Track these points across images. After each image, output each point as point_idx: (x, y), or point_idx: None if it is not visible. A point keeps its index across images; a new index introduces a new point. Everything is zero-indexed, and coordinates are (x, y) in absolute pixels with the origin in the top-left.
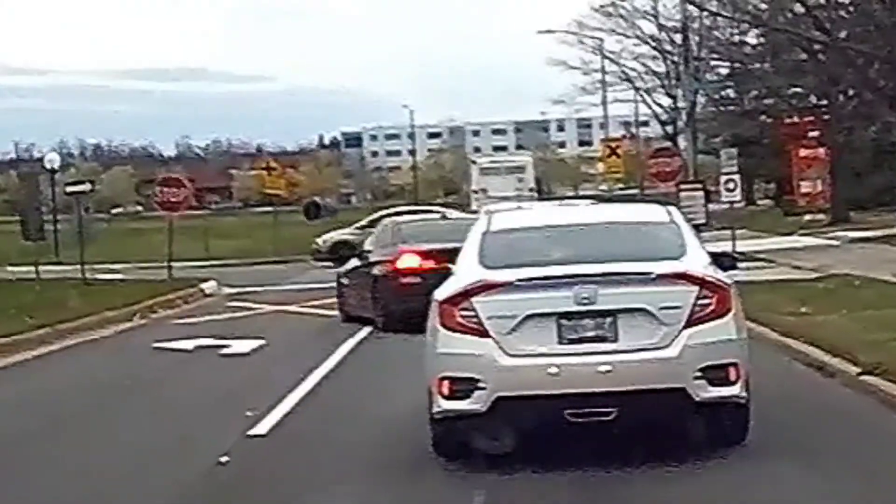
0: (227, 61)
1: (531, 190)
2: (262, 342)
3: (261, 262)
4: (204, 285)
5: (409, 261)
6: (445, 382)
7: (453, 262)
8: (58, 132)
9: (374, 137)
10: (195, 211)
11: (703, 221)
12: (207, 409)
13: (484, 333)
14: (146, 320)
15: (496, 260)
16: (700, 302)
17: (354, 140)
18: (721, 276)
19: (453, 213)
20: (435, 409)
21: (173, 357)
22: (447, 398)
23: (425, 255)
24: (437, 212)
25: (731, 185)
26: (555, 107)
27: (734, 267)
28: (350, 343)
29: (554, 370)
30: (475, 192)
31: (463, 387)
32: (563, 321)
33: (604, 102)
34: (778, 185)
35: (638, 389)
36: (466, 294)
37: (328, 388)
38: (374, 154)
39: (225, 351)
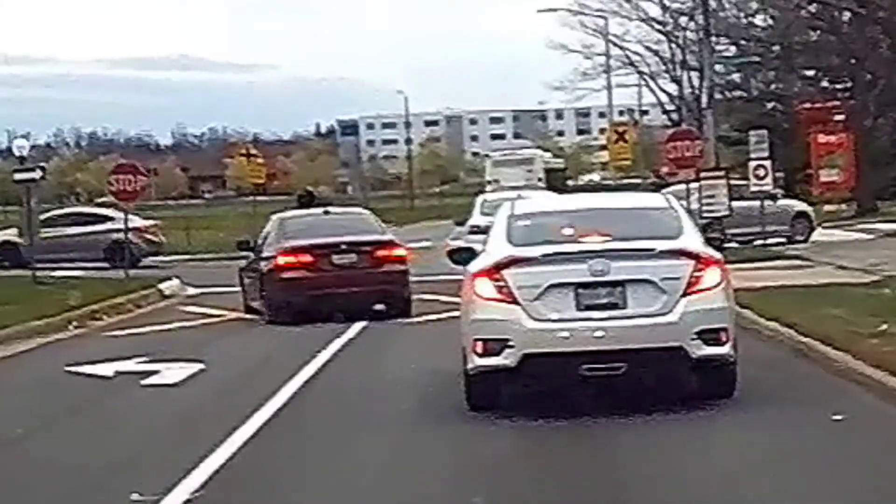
0: (225, 51)
1: (539, 180)
2: (200, 367)
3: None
4: (163, 285)
5: (288, 257)
6: (479, 343)
7: (335, 255)
8: (56, 121)
9: (370, 126)
10: (189, 200)
11: (725, 213)
12: (79, 488)
13: (513, 301)
14: (83, 330)
15: (522, 239)
16: (695, 274)
17: (351, 129)
18: (713, 252)
19: (337, 210)
20: (470, 366)
21: (81, 388)
22: (481, 356)
23: (304, 251)
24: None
25: (761, 172)
26: (553, 96)
27: (721, 249)
28: (310, 368)
29: (573, 331)
30: (489, 182)
31: (495, 346)
32: (580, 290)
33: (608, 85)
34: (788, 174)
35: (644, 348)
36: (498, 268)
37: (257, 451)
38: (371, 143)
39: (150, 380)
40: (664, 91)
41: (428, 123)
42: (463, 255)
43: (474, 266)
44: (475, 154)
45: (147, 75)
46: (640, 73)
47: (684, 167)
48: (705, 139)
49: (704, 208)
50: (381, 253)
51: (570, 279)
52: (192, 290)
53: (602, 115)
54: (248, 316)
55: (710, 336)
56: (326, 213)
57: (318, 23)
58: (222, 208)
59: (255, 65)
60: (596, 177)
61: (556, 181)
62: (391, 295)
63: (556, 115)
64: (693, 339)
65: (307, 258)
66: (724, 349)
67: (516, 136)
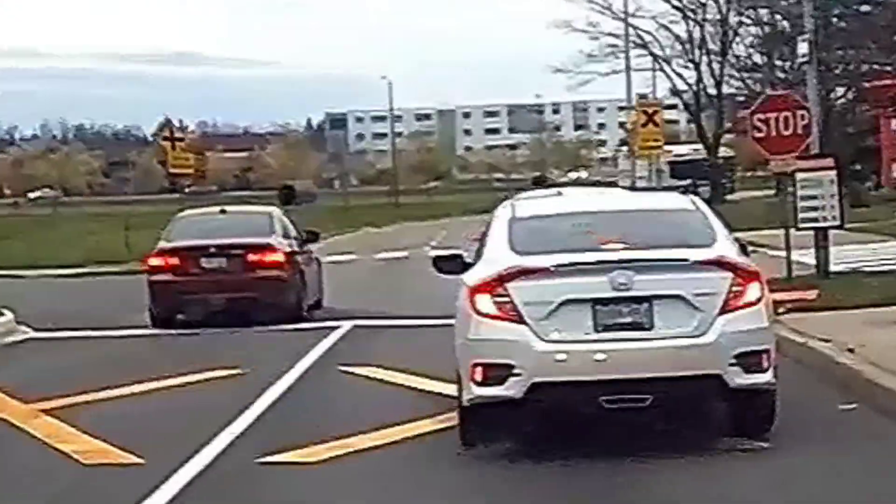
0: (222, 46)
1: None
2: None
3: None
4: None
5: (157, 259)
6: (479, 369)
7: (203, 259)
8: (48, 115)
9: (359, 119)
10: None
11: (836, 223)
12: None
13: (519, 319)
14: None
15: (527, 246)
16: (734, 289)
17: (339, 122)
18: (752, 263)
19: (235, 209)
20: (466, 397)
21: None
22: (480, 384)
23: (173, 253)
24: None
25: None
26: (555, 81)
27: (747, 254)
28: None
29: (590, 356)
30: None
31: (498, 373)
32: (599, 307)
33: (626, 63)
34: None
35: (674, 376)
36: (501, 280)
37: None
38: (360, 137)
39: None
40: (680, 77)
41: (419, 117)
42: (451, 263)
43: (472, 277)
44: (468, 149)
45: (141, 69)
46: (654, 55)
47: (781, 152)
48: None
49: (803, 216)
50: (253, 257)
51: (588, 294)
52: (27, 332)
53: (601, 109)
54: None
55: (750, 361)
56: (223, 212)
57: (313, 18)
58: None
59: (251, 60)
60: (583, 174)
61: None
62: (261, 303)
63: (552, 110)
64: (731, 365)
65: (175, 261)
66: (766, 376)
67: (511, 130)
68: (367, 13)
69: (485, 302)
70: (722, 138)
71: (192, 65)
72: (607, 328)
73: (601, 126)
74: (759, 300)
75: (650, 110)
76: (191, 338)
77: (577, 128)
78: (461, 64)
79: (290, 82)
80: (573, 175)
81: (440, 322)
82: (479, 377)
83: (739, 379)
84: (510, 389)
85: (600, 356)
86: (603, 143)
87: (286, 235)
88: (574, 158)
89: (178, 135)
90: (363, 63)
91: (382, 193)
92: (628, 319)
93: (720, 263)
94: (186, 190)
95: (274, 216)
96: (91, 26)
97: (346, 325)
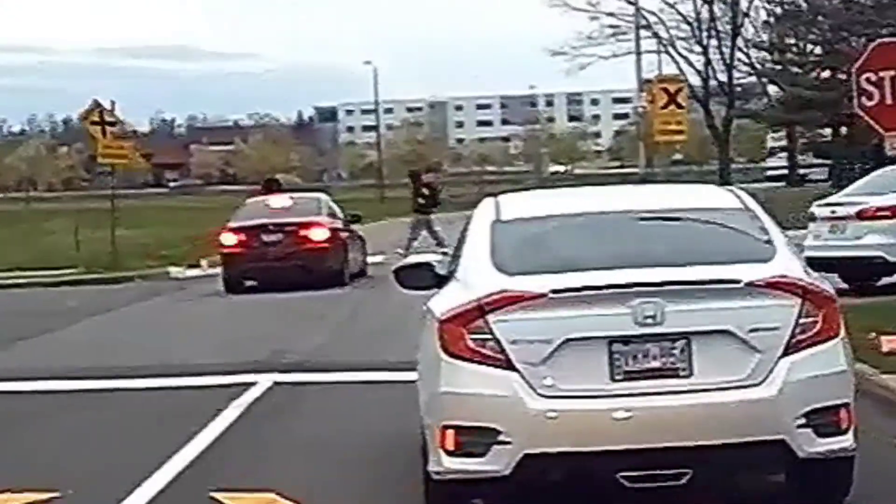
0: (210, 39)
1: None
2: None
3: (102, 279)
4: None
5: (226, 236)
6: (450, 433)
7: (263, 235)
8: (36, 110)
9: (349, 112)
10: (153, 189)
11: None
12: None
13: (506, 364)
14: None
15: (517, 262)
16: (804, 320)
17: (329, 115)
18: (824, 283)
19: (296, 195)
20: (434, 469)
21: None
22: (453, 454)
23: (240, 230)
24: None
25: None
26: (544, 81)
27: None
28: None
29: (605, 416)
30: None
31: (477, 439)
32: (618, 348)
33: (636, 40)
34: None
35: (721, 444)
36: (480, 310)
37: None
38: (350, 129)
39: None
40: (687, 61)
41: (410, 109)
42: (417, 275)
43: (441, 306)
44: (460, 141)
45: (130, 63)
46: (658, 37)
47: None
48: None
49: None
50: (303, 233)
51: (601, 330)
52: None
53: (595, 101)
54: None
55: (825, 419)
56: (291, 198)
57: (303, 10)
58: (186, 198)
59: (243, 53)
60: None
61: None
62: (309, 269)
63: (546, 102)
64: (800, 427)
65: (242, 237)
66: (846, 439)
67: (504, 122)
68: (352, 4)
69: (458, 340)
70: (732, 125)
71: (183, 59)
72: (629, 377)
73: (595, 118)
74: (836, 335)
75: (673, 88)
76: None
77: (571, 119)
78: (453, 49)
79: (277, 75)
80: (552, 168)
81: (407, 376)
82: (450, 444)
83: (811, 446)
84: (494, 463)
85: (619, 416)
86: (598, 134)
87: (332, 215)
88: (571, 150)
89: (108, 118)
90: (358, 56)
91: (370, 187)
92: (658, 364)
93: (784, 285)
94: (171, 184)
95: (321, 200)
96: (77, 22)
97: (264, 381)
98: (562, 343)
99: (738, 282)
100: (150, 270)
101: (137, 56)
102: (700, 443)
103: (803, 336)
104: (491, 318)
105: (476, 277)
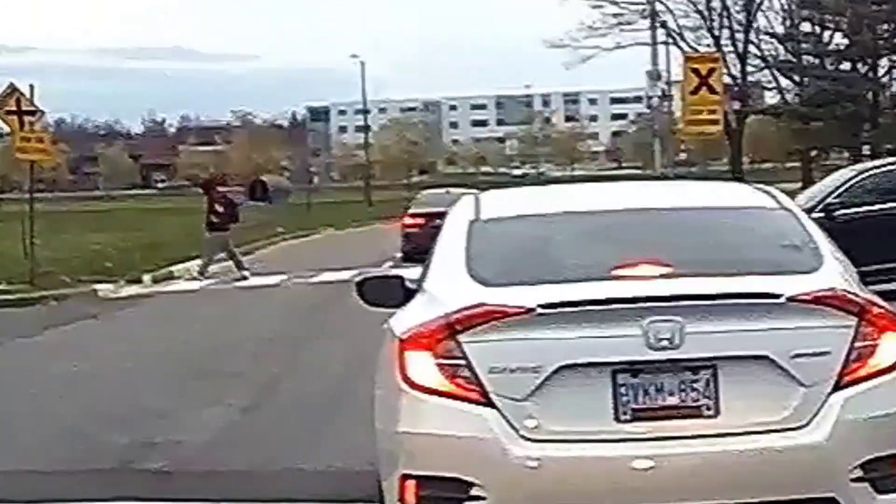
0: (204, 40)
1: None
2: None
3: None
4: None
5: (408, 219)
6: (411, 484)
7: (436, 219)
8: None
9: (342, 112)
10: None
11: None
12: None
13: (482, 399)
14: None
15: (498, 269)
16: (860, 345)
17: (322, 115)
18: (880, 300)
19: (454, 189)
20: None
21: None
22: None
23: (417, 216)
24: None
25: None
26: (540, 80)
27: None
28: None
29: (608, 466)
30: None
31: (444, 494)
32: (625, 378)
33: (652, 21)
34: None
35: (756, 503)
36: (450, 328)
37: None
38: (343, 129)
39: None
40: (697, 52)
41: (404, 110)
42: (384, 290)
43: (402, 323)
44: (455, 141)
45: (122, 64)
46: (666, 27)
47: None
48: None
49: None
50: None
51: (603, 356)
52: None
53: (592, 101)
54: None
55: (886, 472)
56: (447, 192)
57: (297, 11)
58: (174, 199)
59: (238, 54)
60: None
61: None
62: None
63: (542, 102)
64: (855, 482)
65: (420, 220)
66: None
67: (499, 122)
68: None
69: (422, 366)
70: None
71: (178, 59)
72: (638, 417)
73: (593, 118)
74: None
75: (704, 68)
76: None
77: (568, 119)
78: (449, 48)
79: (272, 76)
80: (517, 172)
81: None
82: (411, 499)
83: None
84: None
85: (630, 466)
86: (594, 135)
87: None
88: (569, 151)
89: (26, 107)
90: (343, 55)
91: (360, 189)
92: (675, 401)
93: (836, 301)
94: (160, 185)
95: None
96: (73, 22)
97: None
98: (553, 372)
99: (777, 296)
100: (72, 290)
101: (131, 57)
102: (728, 501)
103: (859, 365)
104: (463, 338)
105: (446, 288)
